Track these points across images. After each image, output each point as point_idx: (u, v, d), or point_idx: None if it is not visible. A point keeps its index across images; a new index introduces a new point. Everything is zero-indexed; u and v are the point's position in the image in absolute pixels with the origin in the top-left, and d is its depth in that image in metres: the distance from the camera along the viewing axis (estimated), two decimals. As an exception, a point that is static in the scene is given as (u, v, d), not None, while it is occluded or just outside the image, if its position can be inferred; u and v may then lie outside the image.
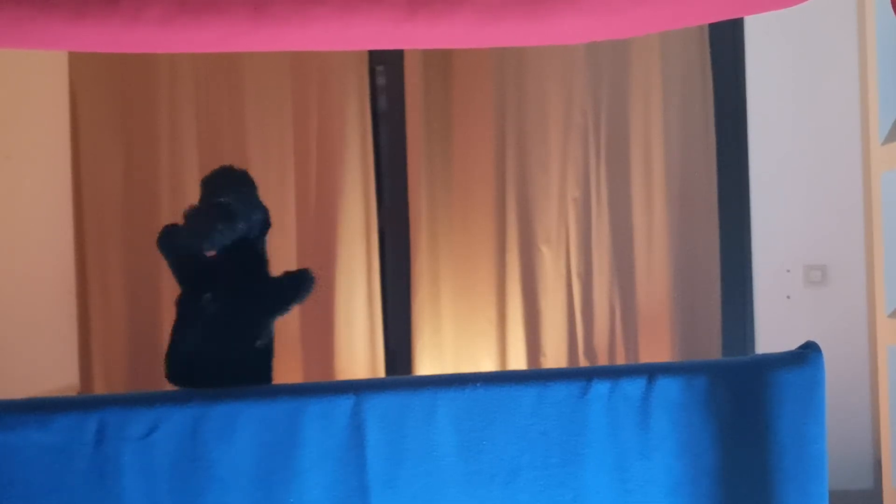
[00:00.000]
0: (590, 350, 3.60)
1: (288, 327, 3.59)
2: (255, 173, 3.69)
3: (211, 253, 1.69)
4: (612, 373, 1.56)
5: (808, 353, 1.57)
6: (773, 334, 3.51)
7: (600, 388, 1.53)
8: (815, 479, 1.54)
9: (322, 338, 3.61)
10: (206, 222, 1.66)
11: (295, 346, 3.60)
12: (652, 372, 1.55)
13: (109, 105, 3.60)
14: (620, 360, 3.55)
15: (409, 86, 3.66)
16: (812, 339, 1.61)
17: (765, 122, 3.56)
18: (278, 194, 3.60)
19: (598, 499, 1.53)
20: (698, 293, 3.61)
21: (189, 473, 1.46)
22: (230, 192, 1.68)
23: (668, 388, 1.54)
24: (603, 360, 3.57)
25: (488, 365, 3.58)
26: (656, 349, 3.57)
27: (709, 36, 3.59)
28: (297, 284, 1.75)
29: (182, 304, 1.68)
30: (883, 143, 2.84)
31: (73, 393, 3.48)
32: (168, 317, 3.57)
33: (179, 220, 1.75)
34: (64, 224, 3.56)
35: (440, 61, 3.61)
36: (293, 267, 3.84)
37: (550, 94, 3.59)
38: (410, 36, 1.50)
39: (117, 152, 3.60)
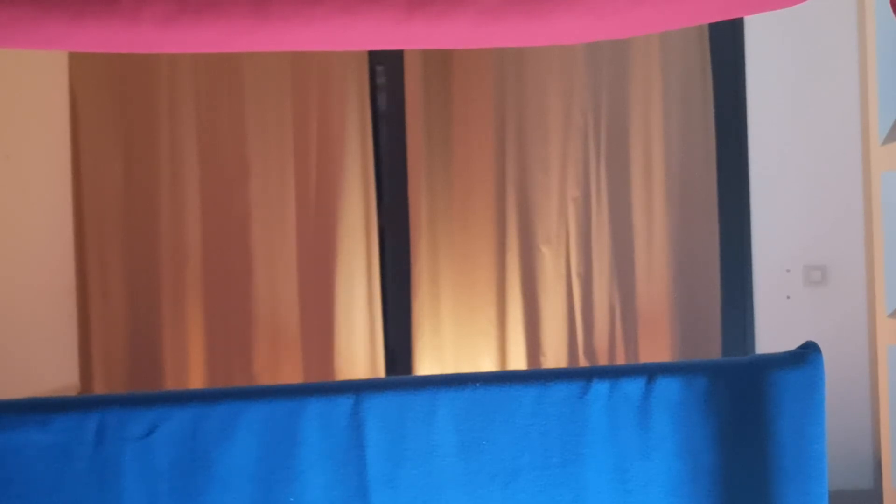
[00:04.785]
0: (590, 350, 3.60)
1: (288, 327, 3.59)
2: (255, 173, 3.73)
3: None
4: (612, 373, 1.55)
5: (807, 353, 1.56)
6: (773, 334, 3.52)
7: (600, 388, 1.53)
8: (815, 479, 1.53)
9: (322, 338, 3.61)
10: None
11: (295, 346, 3.60)
12: (652, 372, 1.55)
13: (109, 105, 3.61)
14: (620, 360, 3.56)
15: (409, 86, 3.66)
16: (812, 339, 1.60)
17: (765, 122, 3.56)
18: (278, 194, 3.60)
19: (598, 499, 1.53)
20: (698, 293, 3.61)
21: (189, 473, 1.46)
22: None
23: (667, 388, 1.54)
24: (603, 360, 3.58)
25: (488, 365, 3.58)
26: (656, 349, 3.57)
27: (709, 36, 3.60)
28: None
29: None
30: (883, 143, 2.84)
31: (73, 393, 3.49)
32: (168, 316, 3.59)
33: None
34: (64, 224, 3.57)
35: (440, 61, 3.62)
36: (292, 267, 3.87)
37: (550, 94, 3.60)
38: (410, 36, 1.50)
39: (117, 152, 3.60)
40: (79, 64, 3.58)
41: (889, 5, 1.62)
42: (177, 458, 1.45)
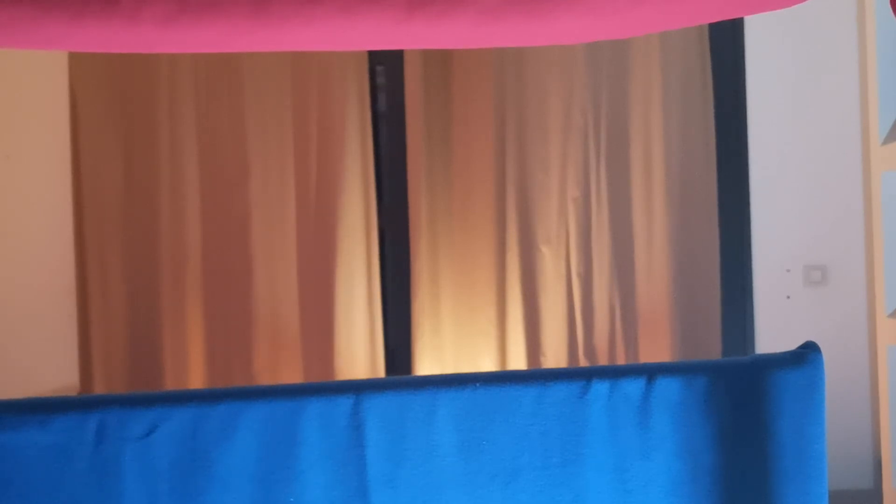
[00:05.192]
0: (590, 350, 3.60)
1: (288, 327, 3.59)
2: (255, 173, 3.73)
3: None
4: (612, 373, 1.55)
5: (807, 353, 1.56)
6: (773, 334, 3.52)
7: (600, 388, 1.53)
8: (815, 479, 1.53)
9: (322, 338, 3.61)
10: None
11: (295, 346, 3.60)
12: (652, 372, 1.55)
13: (109, 105, 3.60)
14: (620, 360, 3.56)
15: (409, 86, 3.66)
16: (812, 339, 1.60)
17: (765, 123, 3.56)
18: (278, 194, 3.60)
19: (598, 499, 1.53)
20: (698, 293, 3.61)
21: (189, 473, 1.46)
22: None
23: (667, 388, 1.54)
24: (603, 360, 3.58)
25: (488, 365, 3.58)
26: (656, 349, 3.57)
27: (709, 36, 3.60)
28: None
29: None
30: (883, 143, 2.84)
31: (73, 393, 3.49)
32: (168, 316, 3.59)
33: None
34: (64, 224, 3.57)
35: (440, 61, 3.62)
36: (292, 267, 3.87)
37: (550, 94, 3.60)
38: (410, 36, 1.50)
39: (117, 152, 3.60)
40: (79, 64, 3.58)
41: (889, 5, 1.62)
42: (177, 458, 1.45)
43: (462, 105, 3.62)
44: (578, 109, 3.61)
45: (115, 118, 3.61)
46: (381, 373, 3.61)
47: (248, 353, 3.60)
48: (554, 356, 3.59)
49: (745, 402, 1.55)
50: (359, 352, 3.60)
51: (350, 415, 1.49)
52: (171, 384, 3.57)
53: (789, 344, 1.64)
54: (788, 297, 3.53)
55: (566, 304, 3.60)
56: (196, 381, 3.57)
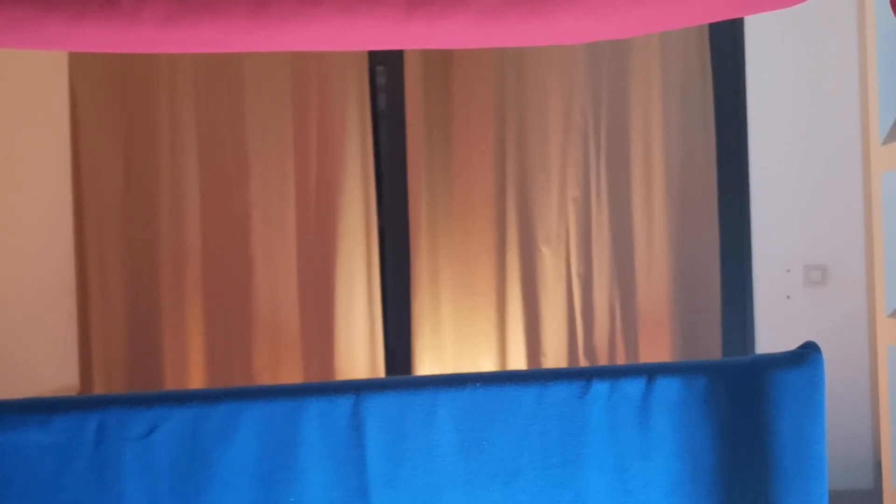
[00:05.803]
0: (590, 350, 3.60)
1: (288, 327, 3.59)
2: (256, 173, 3.74)
3: None
4: (612, 373, 1.55)
5: (807, 353, 1.56)
6: (773, 334, 3.52)
7: (600, 388, 1.53)
8: (815, 479, 1.53)
9: (322, 338, 3.61)
10: None
11: (295, 346, 3.60)
12: (652, 372, 1.55)
13: (109, 105, 3.61)
14: (620, 360, 3.56)
15: (409, 86, 3.66)
16: (812, 339, 1.60)
17: (765, 122, 3.56)
18: (278, 194, 3.60)
19: (598, 499, 1.53)
20: (698, 293, 3.61)
21: (189, 473, 1.46)
22: None
23: (667, 388, 1.54)
24: (603, 360, 3.58)
25: (488, 365, 3.58)
26: (656, 349, 3.57)
27: (709, 36, 3.60)
28: None
29: None
30: (883, 143, 2.84)
31: (73, 393, 3.49)
32: (168, 316, 3.59)
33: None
34: (64, 224, 3.57)
35: (440, 61, 3.62)
36: (292, 267, 3.87)
37: (550, 94, 3.60)
38: (410, 36, 1.50)
39: (117, 152, 3.60)
40: (79, 64, 3.58)
41: (889, 5, 1.62)
42: (177, 458, 1.45)
43: (462, 105, 3.62)
44: (578, 109, 3.61)
45: (115, 118, 3.61)
46: (381, 373, 3.61)
47: (248, 353, 3.60)
48: (554, 356, 3.59)
49: (745, 402, 1.55)
50: (359, 352, 3.60)
51: (350, 415, 1.49)
52: (171, 384, 3.57)
53: (789, 344, 1.64)
54: (788, 297, 3.53)
55: (566, 304, 3.60)
56: (196, 381, 3.57)
